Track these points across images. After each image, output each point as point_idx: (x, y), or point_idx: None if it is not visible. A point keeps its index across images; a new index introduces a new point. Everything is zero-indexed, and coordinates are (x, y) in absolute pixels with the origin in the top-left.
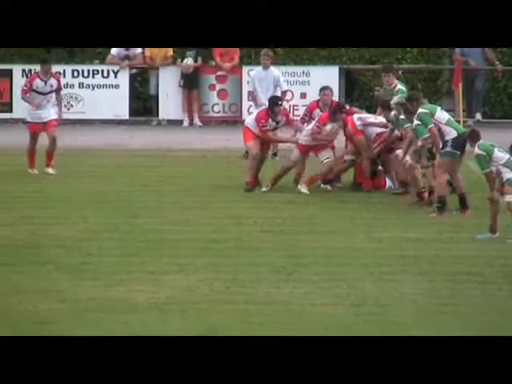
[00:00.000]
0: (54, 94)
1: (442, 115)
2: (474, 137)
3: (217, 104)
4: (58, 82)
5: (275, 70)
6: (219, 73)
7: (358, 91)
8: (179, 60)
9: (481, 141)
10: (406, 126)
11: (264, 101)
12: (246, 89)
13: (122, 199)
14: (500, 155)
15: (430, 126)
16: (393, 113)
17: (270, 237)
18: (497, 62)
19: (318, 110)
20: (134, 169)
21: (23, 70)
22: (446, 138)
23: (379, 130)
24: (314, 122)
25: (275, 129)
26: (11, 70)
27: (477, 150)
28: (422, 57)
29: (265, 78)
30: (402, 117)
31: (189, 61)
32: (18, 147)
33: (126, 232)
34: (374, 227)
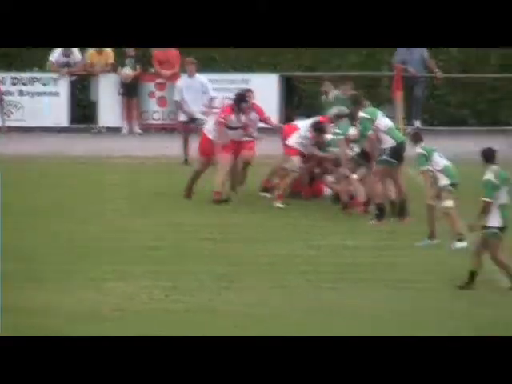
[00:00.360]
0: None
1: (382, 122)
2: (416, 137)
3: (156, 111)
4: None
5: (201, 77)
6: (158, 80)
7: (297, 98)
8: (119, 67)
9: (422, 143)
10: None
11: (193, 109)
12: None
13: (63, 207)
14: (438, 159)
15: (368, 133)
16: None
17: (211, 244)
18: (436, 70)
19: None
20: (74, 176)
21: None
22: (384, 146)
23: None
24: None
25: (237, 128)
26: None
27: (418, 149)
28: (360, 64)
29: (191, 86)
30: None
31: (127, 70)
32: None
33: (67, 240)
34: (313, 235)
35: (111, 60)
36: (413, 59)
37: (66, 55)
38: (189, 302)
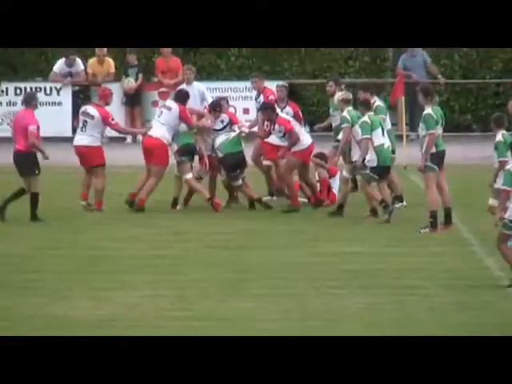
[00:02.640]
0: None
1: (378, 138)
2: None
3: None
4: None
5: (199, 85)
6: (161, 89)
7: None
8: (123, 77)
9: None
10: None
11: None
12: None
13: (65, 216)
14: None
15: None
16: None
17: (214, 252)
18: (439, 76)
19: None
20: (76, 185)
21: None
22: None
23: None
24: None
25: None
26: None
27: (499, 137)
28: (364, 71)
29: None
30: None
31: (129, 81)
32: None
33: (69, 248)
34: (317, 241)
35: (112, 69)
36: (416, 65)
37: (69, 65)
38: (194, 309)
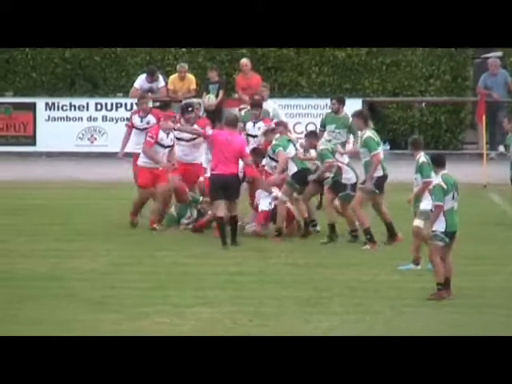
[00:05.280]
0: None
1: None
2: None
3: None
4: None
5: (272, 103)
6: (242, 106)
7: (380, 124)
8: (204, 93)
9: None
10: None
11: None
12: None
13: (146, 232)
14: None
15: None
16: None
17: (293, 269)
18: None
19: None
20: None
21: (46, 104)
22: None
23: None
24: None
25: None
26: (35, 104)
27: (423, 159)
28: (444, 89)
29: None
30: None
31: (210, 98)
32: (41, 181)
33: (149, 265)
34: (399, 260)
35: (193, 86)
36: (496, 84)
37: (151, 81)
38: (273, 326)
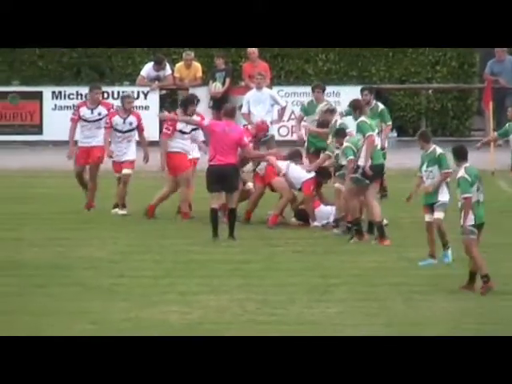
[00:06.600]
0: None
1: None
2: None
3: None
4: None
5: (269, 90)
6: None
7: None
8: (210, 81)
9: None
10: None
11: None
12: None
13: (152, 220)
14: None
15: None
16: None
17: (301, 257)
18: None
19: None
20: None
21: (53, 92)
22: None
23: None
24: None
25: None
26: (41, 92)
27: (440, 150)
28: (451, 76)
29: (259, 99)
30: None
31: (216, 86)
32: (48, 169)
33: (157, 253)
34: (405, 247)
35: (199, 73)
36: (504, 71)
37: (158, 69)
38: (281, 314)
